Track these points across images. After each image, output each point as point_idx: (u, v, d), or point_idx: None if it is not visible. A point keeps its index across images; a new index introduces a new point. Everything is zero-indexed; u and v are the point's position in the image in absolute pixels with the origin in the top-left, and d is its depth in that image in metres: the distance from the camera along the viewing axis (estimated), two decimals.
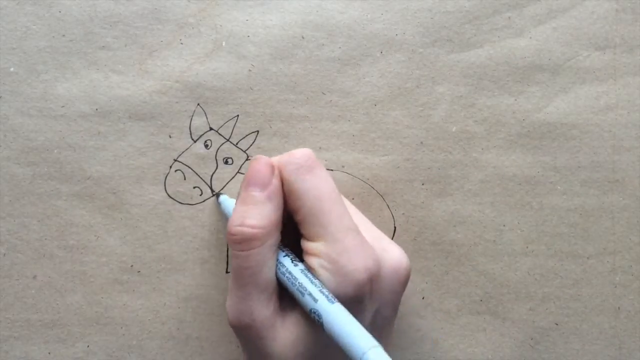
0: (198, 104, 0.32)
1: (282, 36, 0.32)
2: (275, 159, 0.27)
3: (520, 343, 0.33)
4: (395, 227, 0.33)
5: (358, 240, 0.24)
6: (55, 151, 0.32)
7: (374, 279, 0.24)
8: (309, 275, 0.24)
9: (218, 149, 0.32)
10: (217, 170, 0.32)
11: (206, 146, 0.32)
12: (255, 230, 0.25)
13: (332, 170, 0.33)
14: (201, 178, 0.32)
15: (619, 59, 0.33)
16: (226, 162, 0.32)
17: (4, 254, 0.32)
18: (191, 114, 0.32)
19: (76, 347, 0.32)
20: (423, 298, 0.33)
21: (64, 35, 0.32)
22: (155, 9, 0.32)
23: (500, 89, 0.33)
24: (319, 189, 0.25)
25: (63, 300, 0.32)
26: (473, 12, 0.33)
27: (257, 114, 0.32)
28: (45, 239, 0.32)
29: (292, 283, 0.25)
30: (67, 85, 0.32)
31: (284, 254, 0.26)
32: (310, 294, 0.24)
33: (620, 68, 0.33)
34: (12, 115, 0.32)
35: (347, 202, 0.29)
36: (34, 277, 0.32)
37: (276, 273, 0.26)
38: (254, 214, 0.25)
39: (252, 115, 0.32)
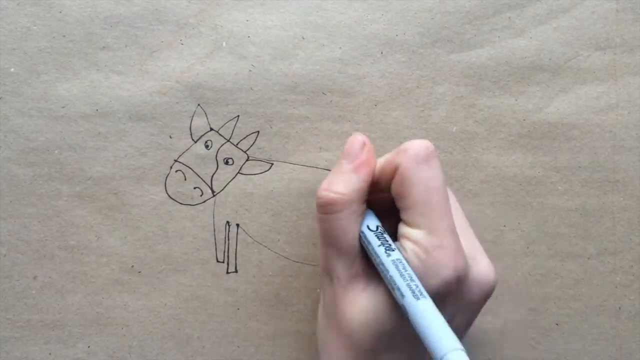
0: (198, 105, 0.32)
1: (282, 36, 0.32)
2: (394, 150, 0.27)
3: (521, 343, 0.33)
4: None
5: (454, 241, 0.25)
6: (56, 152, 0.32)
7: (460, 282, 0.25)
8: (400, 266, 0.25)
9: (218, 149, 0.32)
10: (217, 171, 0.32)
11: (207, 147, 0.32)
12: (337, 196, 0.26)
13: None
14: (201, 178, 0.32)
15: (620, 59, 0.33)
16: (227, 163, 0.32)
17: (5, 255, 0.32)
18: (191, 115, 0.32)
19: (77, 347, 0.32)
20: None
21: (64, 36, 0.32)
22: (156, 9, 0.32)
23: (500, 89, 0.33)
24: (431, 180, 0.26)
25: (64, 301, 0.32)
26: (473, 12, 0.33)
27: (257, 115, 0.32)
28: (46, 239, 0.32)
29: (382, 272, 0.25)
30: (67, 85, 0.32)
31: (379, 242, 0.26)
32: (398, 289, 0.24)
33: (621, 68, 0.33)
34: (12, 116, 0.32)
35: (455, 204, 0.29)
36: (35, 277, 0.32)
37: (368, 253, 0.27)
38: (339, 182, 0.27)
39: (253, 116, 0.32)
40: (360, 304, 0.26)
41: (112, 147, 0.32)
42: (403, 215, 0.26)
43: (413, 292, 0.23)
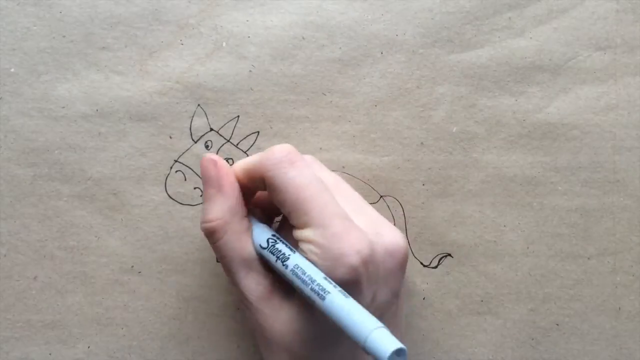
0: (198, 105, 0.32)
1: (282, 37, 0.32)
2: (256, 156, 0.28)
3: (521, 343, 0.33)
4: None
5: (346, 225, 0.25)
6: (56, 152, 0.32)
7: (368, 262, 0.25)
8: (300, 272, 0.24)
9: (218, 149, 0.32)
10: None
11: (207, 147, 0.32)
12: (214, 223, 0.27)
13: (332, 171, 0.33)
14: (202, 179, 0.32)
15: (620, 59, 0.33)
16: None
17: (5, 255, 0.32)
18: (192, 115, 0.32)
19: (77, 347, 0.32)
20: (424, 299, 0.33)
21: (64, 36, 0.32)
22: (156, 9, 0.32)
23: (500, 90, 0.33)
24: (301, 179, 0.25)
25: (64, 301, 0.32)
26: (473, 12, 0.33)
27: (257, 115, 0.32)
28: (46, 239, 0.32)
29: (291, 284, 0.25)
30: (67, 86, 0.32)
31: (274, 258, 0.26)
32: (308, 297, 0.24)
33: (621, 68, 0.33)
34: (12, 116, 0.32)
35: (345, 186, 0.29)
36: (35, 277, 0.32)
37: (271, 265, 0.27)
38: (210, 209, 0.27)
39: (253, 116, 0.32)
40: (283, 317, 0.26)
41: (112, 147, 0.32)
42: (290, 221, 0.26)
43: (318, 293, 0.23)
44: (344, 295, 0.23)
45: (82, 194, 0.32)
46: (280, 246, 0.26)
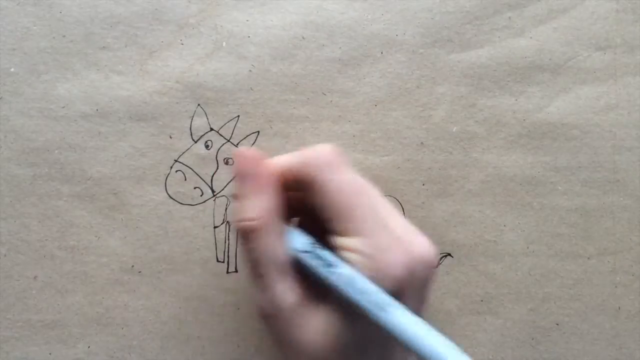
0: (198, 105, 0.32)
1: (282, 37, 0.32)
2: (297, 155, 0.26)
3: (521, 343, 0.33)
4: None
5: (392, 237, 0.24)
6: (56, 152, 0.32)
7: (410, 274, 0.24)
8: (350, 281, 0.24)
9: (219, 149, 0.32)
10: (217, 171, 0.32)
11: (207, 147, 0.32)
12: (254, 222, 0.25)
13: None
14: (202, 178, 0.32)
15: (620, 59, 0.33)
16: (227, 163, 0.32)
17: (5, 255, 0.32)
18: (192, 115, 0.32)
19: (77, 347, 0.32)
20: None
21: (64, 36, 0.32)
22: (156, 9, 0.32)
23: (500, 89, 0.33)
24: (347, 184, 0.25)
25: (64, 301, 0.32)
26: (473, 12, 0.33)
27: (257, 115, 0.32)
28: (46, 239, 0.32)
29: (335, 291, 0.24)
30: (67, 85, 0.32)
31: (317, 264, 0.25)
32: (359, 307, 0.23)
33: (621, 68, 0.33)
34: (12, 116, 0.32)
35: (377, 193, 0.28)
36: (35, 277, 0.32)
37: (312, 273, 0.26)
38: (250, 206, 0.26)
39: (253, 116, 0.32)
40: (315, 327, 0.25)
41: (112, 147, 0.32)
42: (333, 225, 0.25)
43: (377, 304, 0.23)
44: (407, 310, 0.23)
45: (82, 194, 0.32)
46: (323, 252, 0.25)
